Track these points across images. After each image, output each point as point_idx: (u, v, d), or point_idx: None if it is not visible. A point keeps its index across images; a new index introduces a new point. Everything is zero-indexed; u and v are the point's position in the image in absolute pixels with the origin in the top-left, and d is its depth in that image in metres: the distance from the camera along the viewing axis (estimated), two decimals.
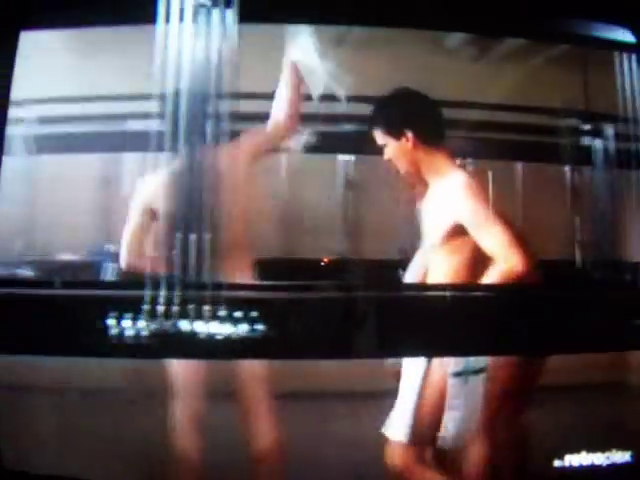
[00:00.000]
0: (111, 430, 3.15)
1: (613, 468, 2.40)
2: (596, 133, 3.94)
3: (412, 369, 2.60)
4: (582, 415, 3.10)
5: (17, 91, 3.59)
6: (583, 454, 2.42)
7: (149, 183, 2.93)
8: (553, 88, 3.99)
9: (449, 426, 2.55)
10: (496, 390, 2.82)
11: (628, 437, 2.60)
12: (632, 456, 2.42)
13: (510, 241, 2.50)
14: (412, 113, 2.68)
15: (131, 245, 2.92)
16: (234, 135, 2.80)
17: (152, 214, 2.88)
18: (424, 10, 2.55)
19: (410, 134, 2.63)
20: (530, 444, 2.87)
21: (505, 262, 2.46)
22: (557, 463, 2.44)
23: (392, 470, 2.61)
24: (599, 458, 2.41)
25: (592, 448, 2.43)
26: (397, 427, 2.60)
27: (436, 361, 2.55)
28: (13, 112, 3.62)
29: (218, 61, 1.91)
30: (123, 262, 2.92)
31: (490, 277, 2.48)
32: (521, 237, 2.80)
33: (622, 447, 2.43)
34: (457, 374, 2.53)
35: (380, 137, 2.69)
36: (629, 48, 2.55)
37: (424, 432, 2.57)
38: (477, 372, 2.56)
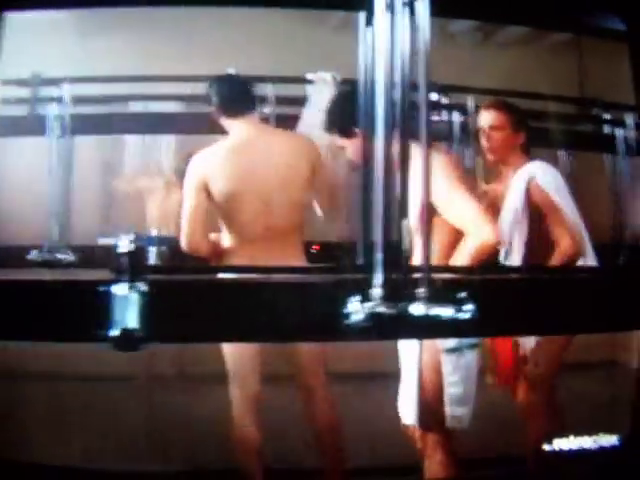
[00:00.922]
0: (174, 413, 3.33)
1: (601, 452, 2.45)
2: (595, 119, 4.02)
3: (407, 351, 2.63)
4: (570, 398, 3.14)
5: (50, 70, 3.75)
6: (571, 438, 2.47)
7: (204, 162, 2.96)
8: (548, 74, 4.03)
9: (453, 404, 2.60)
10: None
11: (616, 420, 2.69)
12: (620, 440, 2.45)
13: (478, 213, 2.51)
14: (354, 111, 2.71)
15: (193, 225, 2.91)
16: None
17: (207, 192, 2.91)
18: None
19: (359, 131, 2.59)
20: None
21: (475, 235, 2.48)
22: (546, 447, 2.50)
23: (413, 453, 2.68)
24: (587, 442, 2.45)
25: (580, 432, 2.47)
26: (406, 411, 2.66)
27: (428, 340, 2.53)
28: (47, 91, 3.78)
29: (410, 53, 1.82)
30: (186, 244, 2.92)
31: (461, 252, 2.50)
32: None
33: (610, 431, 2.47)
34: (451, 350, 2.56)
35: (338, 141, 2.78)
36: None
37: (431, 413, 2.61)
38: (472, 347, 2.61)
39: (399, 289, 1.73)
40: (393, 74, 1.81)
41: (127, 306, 1.60)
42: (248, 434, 2.90)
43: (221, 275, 2.63)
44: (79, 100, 3.67)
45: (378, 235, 1.78)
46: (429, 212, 2.10)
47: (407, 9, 1.79)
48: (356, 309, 1.71)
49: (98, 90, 3.85)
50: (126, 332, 1.58)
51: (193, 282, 1.91)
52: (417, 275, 1.78)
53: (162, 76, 3.85)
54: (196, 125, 3.79)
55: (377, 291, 1.73)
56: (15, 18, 2.56)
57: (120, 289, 1.62)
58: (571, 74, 4.46)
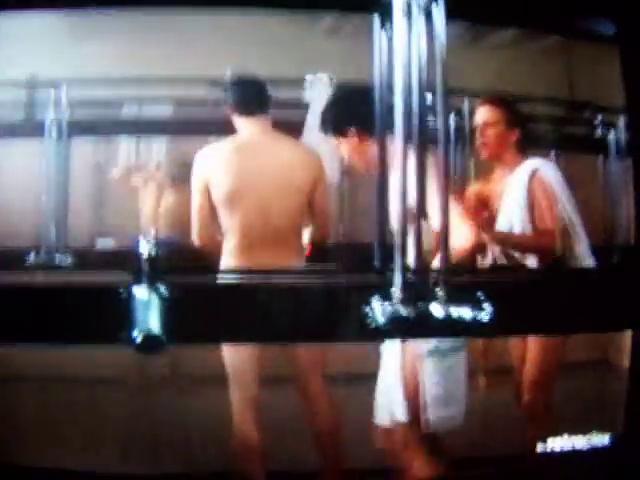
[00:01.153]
0: (170, 415, 3.29)
1: (593, 451, 2.46)
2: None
3: (389, 353, 2.64)
4: (562, 397, 3.14)
5: (43, 73, 3.75)
6: (565, 437, 2.48)
7: (207, 159, 2.99)
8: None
9: (436, 406, 2.59)
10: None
11: (608, 419, 2.66)
12: (612, 439, 2.47)
13: (455, 217, 2.43)
14: (350, 110, 2.76)
15: (201, 223, 2.97)
16: None
17: (208, 192, 2.95)
18: None
19: (353, 130, 2.73)
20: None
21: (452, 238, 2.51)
22: (540, 447, 2.50)
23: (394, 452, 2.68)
24: (580, 441, 2.47)
25: (573, 431, 2.49)
26: (395, 409, 2.64)
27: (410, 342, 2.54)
28: (42, 94, 3.79)
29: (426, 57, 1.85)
30: (197, 242, 2.98)
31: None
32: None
33: (601, 430, 2.48)
34: (432, 352, 2.56)
35: (334, 139, 2.84)
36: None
37: (410, 415, 2.61)
38: (455, 349, 2.59)
39: (418, 290, 1.76)
40: (409, 78, 1.82)
41: (148, 308, 1.60)
42: (248, 436, 2.90)
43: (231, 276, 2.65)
44: (73, 103, 3.66)
45: (397, 237, 1.80)
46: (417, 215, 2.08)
47: (423, 13, 1.80)
48: (377, 310, 1.73)
49: (92, 93, 3.83)
50: (148, 335, 1.58)
51: (214, 284, 1.92)
52: (434, 276, 1.80)
53: (155, 79, 3.86)
54: (190, 128, 3.81)
55: (397, 292, 1.75)
56: (7, 22, 2.57)
57: (140, 292, 1.62)
58: (561, 76, 4.49)
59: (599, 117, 4.06)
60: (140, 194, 4.16)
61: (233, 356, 2.92)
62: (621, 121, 3.82)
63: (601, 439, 2.48)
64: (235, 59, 3.75)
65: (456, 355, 2.61)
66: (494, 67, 4.30)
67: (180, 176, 4.01)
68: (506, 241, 2.98)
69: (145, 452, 3.26)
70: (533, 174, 3.05)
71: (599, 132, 4.07)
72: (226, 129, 3.12)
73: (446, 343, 2.56)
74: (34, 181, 3.67)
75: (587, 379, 3.60)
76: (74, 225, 3.75)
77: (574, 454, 2.49)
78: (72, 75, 3.72)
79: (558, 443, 2.50)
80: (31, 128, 3.64)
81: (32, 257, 3.33)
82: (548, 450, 2.50)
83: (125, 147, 4.15)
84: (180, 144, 4.16)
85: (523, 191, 3.04)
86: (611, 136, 3.93)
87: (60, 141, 3.55)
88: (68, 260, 3.37)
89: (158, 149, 4.19)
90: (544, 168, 3.08)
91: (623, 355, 3.06)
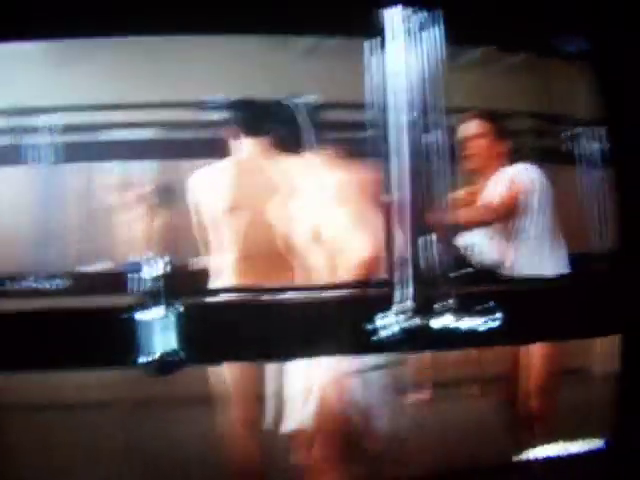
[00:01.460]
0: (163, 439, 3.33)
1: (587, 456, 2.50)
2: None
3: (312, 368, 2.61)
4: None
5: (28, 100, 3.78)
6: (558, 443, 2.56)
7: (197, 180, 3.10)
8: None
9: (379, 424, 2.58)
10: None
11: (600, 423, 2.72)
12: (606, 443, 2.47)
13: (357, 230, 2.50)
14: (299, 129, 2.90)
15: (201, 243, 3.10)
16: None
17: (198, 212, 3.08)
18: None
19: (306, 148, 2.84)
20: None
21: (353, 250, 2.46)
22: (534, 454, 2.58)
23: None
24: (573, 446, 2.54)
25: (565, 437, 2.56)
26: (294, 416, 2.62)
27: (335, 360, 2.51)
28: (28, 121, 3.83)
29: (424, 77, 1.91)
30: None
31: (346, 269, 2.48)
32: None
33: (595, 434, 2.51)
34: (358, 371, 2.52)
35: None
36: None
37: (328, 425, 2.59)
38: (382, 367, 2.54)
39: (429, 302, 1.79)
40: (407, 99, 1.86)
41: (164, 330, 1.61)
42: (248, 457, 2.92)
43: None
44: (62, 129, 3.71)
45: (407, 251, 1.83)
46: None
47: (419, 35, 1.85)
48: (389, 323, 1.76)
49: (80, 119, 3.85)
50: (163, 356, 1.58)
51: (230, 302, 1.94)
52: (444, 288, 1.83)
53: (137, 103, 3.89)
54: (178, 150, 3.84)
55: (408, 305, 1.79)
56: None
57: (155, 313, 1.64)
58: (538, 90, 4.56)
59: (577, 129, 4.14)
60: (132, 215, 4.17)
61: (233, 376, 2.94)
62: (600, 132, 3.89)
63: (590, 444, 2.53)
64: (214, 81, 3.80)
65: (385, 371, 2.57)
66: (470, 83, 4.37)
67: (169, 198, 4.05)
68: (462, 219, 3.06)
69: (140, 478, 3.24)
70: (517, 171, 3.18)
71: (578, 144, 4.15)
72: (215, 151, 3.17)
73: (375, 360, 2.51)
74: (25, 207, 3.69)
75: (571, 386, 3.64)
76: (69, 249, 3.77)
77: (568, 460, 2.54)
78: (60, 101, 3.74)
79: (551, 450, 2.55)
80: (21, 154, 3.66)
81: (30, 283, 3.33)
82: (543, 456, 2.55)
83: (115, 170, 4.17)
84: (169, 166, 4.18)
85: (505, 181, 3.16)
86: (590, 147, 4.01)
87: (49, 166, 3.60)
88: (65, 284, 3.39)
89: (148, 172, 4.22)
90: (528, 168, 3.22)
91: (606, 360, 3.13)
